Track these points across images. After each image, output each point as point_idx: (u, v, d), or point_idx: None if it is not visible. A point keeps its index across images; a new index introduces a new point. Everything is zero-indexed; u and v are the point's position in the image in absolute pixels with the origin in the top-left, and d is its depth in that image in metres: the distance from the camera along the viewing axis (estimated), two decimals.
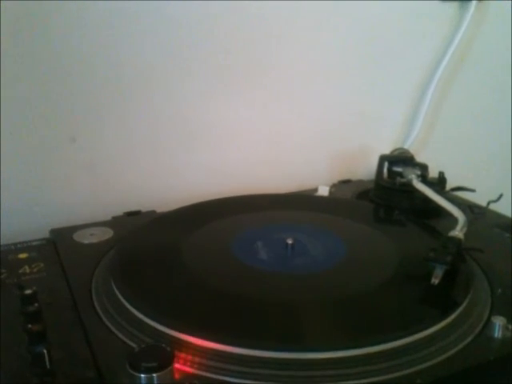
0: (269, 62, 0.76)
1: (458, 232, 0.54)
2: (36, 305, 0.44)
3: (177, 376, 0.37)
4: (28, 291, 0.46)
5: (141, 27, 0.66)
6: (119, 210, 0.68)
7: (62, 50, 0.63)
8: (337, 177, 0.84)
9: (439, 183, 0.70)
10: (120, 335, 0.43)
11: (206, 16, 0.69)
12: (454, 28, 0.86)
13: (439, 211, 0.68)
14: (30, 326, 0.41)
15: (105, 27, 0.64)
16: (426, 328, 0.43)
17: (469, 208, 0.68)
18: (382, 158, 0.75)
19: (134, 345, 0.41)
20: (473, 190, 0.71)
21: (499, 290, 0.50)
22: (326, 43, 0.79)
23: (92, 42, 0.64)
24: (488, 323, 0.45)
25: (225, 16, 0.70)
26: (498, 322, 0.44)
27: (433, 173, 0.73)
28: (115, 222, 0.65)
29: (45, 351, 0.39)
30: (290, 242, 0.56)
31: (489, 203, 0.70)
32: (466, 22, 0.85)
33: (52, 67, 0.63)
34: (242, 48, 0.73)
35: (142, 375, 0.36)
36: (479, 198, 0.71)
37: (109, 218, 0.66)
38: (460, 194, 0.73)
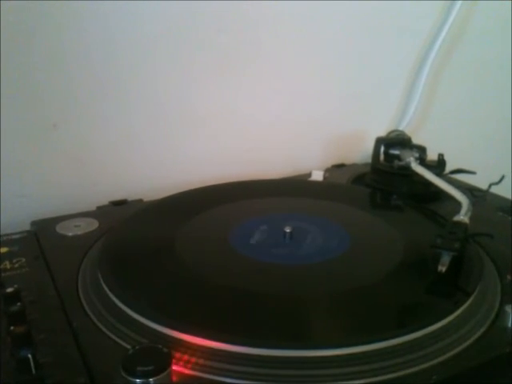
0: (260, 46, 0.73)
1: (462, 216, 0.52)
2: (19, 304, 0.41)
3: (175, 379, 0.35)
4: (10, 289, 0.43)
5: (124, 15, 0.63)
6: (104, 200, 0.64)
7: (43, 36, 0.59)
8: (330, 161, 0.82)
9: (438, 166, 0.67)
10: (111, 335, 0.40)
11: (191, 2, 0.65)
12: (447, 8, 0.83)
13: (438, 195, 0.66)
14: (12, 327, 0.38)
15: (87, 14, 0.61)
16: (438, 320, 0.40)
17: (469, 191, 0.66)
18: (379, 141, 0.72)
19: (127, 346, 0.38)
20: (473, 173, 0.68)
21: (508, 277, 0.48)
22: (319, 26, 0.76)
23: (73, 28, 0.60)
24: (500, 313, 0.43)
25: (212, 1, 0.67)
26: None
27: (429, 155, 0.70)
28: (100, 212, 0.62)
29: (29, 356, 0.36)
30: (288, 230, 0.53)
31: (490, 186, 0.68)
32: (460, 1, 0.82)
33: (32, 53, 0.59)
34: (232, 31, 0.70)
35: (138, 380, 0.33)
36: (480, 181, 0.69)
37: (93, 208, 0.63)
38: (459, 176, 0.71)
